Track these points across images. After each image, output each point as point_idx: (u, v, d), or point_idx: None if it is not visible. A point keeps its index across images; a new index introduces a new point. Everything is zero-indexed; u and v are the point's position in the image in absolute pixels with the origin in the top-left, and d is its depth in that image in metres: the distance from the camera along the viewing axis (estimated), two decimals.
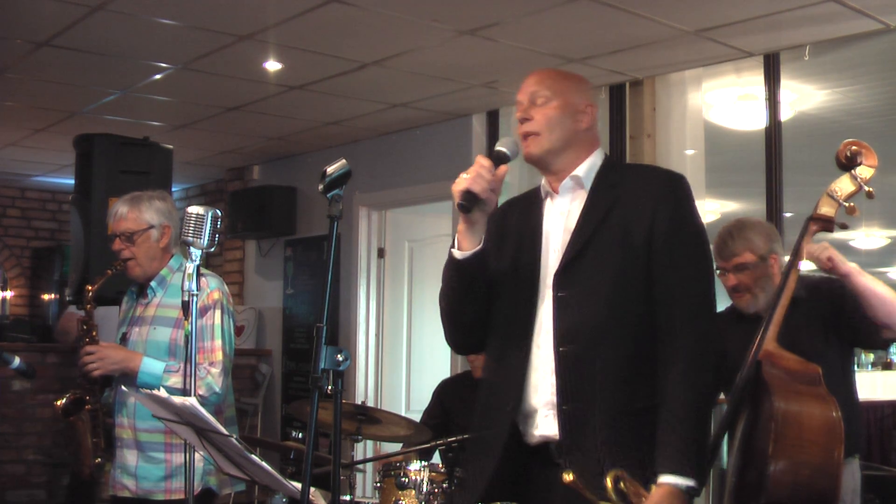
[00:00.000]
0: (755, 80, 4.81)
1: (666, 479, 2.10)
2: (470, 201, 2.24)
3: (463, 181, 2.24)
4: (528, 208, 2.43)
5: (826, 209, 2.91)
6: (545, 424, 2.25)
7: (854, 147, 2.90)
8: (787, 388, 2.73)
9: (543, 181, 2.44)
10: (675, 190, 2.32)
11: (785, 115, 4.78)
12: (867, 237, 10.29)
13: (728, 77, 5.09)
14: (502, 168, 2.27)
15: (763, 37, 4.39)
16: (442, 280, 2.41)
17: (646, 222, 2.24)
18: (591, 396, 2.18)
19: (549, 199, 2.41)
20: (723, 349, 2.37)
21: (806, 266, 2.89)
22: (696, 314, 2.21)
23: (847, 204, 2.89)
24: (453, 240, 2.35)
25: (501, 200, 2.43)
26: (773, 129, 4.60)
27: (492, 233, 2.36)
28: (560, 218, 2.36)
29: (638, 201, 2.28)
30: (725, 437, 3.05)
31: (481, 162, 2.26)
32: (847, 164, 2.91)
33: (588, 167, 2.38)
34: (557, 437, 2.22)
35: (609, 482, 2.05)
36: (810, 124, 5.65)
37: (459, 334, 2.48)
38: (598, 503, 2.06)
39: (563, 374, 2.22)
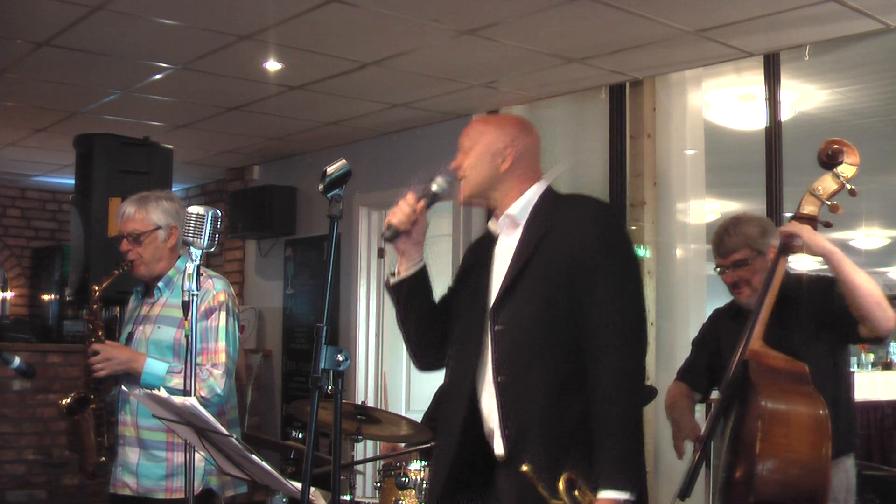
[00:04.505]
0: (755, 80, 4.81)
1: (605, 494, 2.22)
2: (391, 232, 2.48)
3: (389, 214, 2.49)
4: (487, 244, 2.57)
5: (809, 208, 2.90)
6: (497, 444, 2.41)
7: (836, 146, 2.89)
8: (773, 387, 2.73)
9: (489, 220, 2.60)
10: (598, 219, 2.42)
11: (785, 115, 4.78)
12: (867, 237, 10.28)
13: (728, 77, 5.09)
14: (420, 203, 2.49)
15: (763, 37, 4.39)
16: None
17: (569, 252, 2.35)
18: (528, 419, 2.34)
19: (498, 237, 2.55)
20: (644, 368, 2.42)
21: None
22: (616, 338, 2.29)
23: (830, 202, 2.88)
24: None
25: None
26: (773, 129, 4.60)
27: (463, 264, 2.64)
28: (503, 255, 2.49)
29: (565, 233, 2.38)
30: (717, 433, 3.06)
31: (406, 197, 2.49)
32: (829, 162, 2.90)
33: (523, 204, 2.49)
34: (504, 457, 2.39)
35: (562, 484, 2.19)
36: (810, 124, 5.64)
37: (413, 353, 2.68)
38: (550, 500, 2.19)
39: (502, 401, 2.38)
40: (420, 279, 2.56)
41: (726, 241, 3.14)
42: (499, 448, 2.39)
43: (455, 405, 2.49)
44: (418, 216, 2.49)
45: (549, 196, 2.50)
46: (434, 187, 2.50)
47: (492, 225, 2.55)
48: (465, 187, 2.52)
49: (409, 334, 2.63)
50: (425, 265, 2.57)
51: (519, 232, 2.47)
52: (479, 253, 2.59)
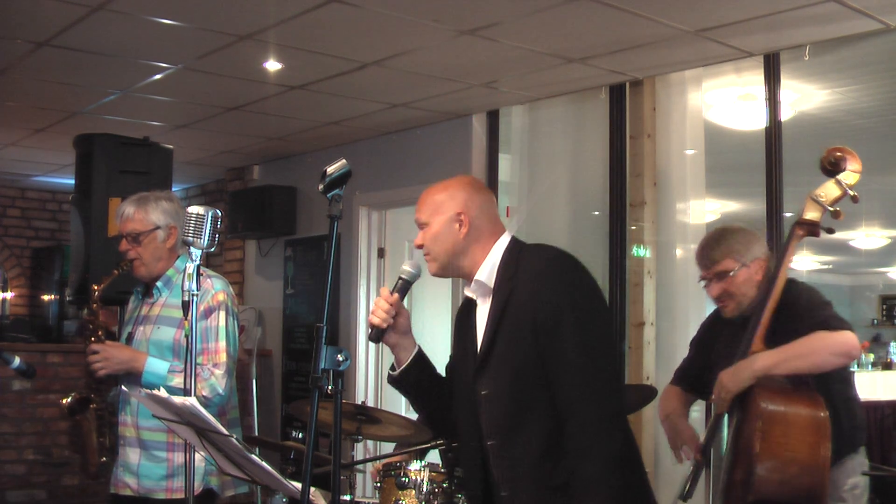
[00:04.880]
0: (755, 80, 4.81)
1: None
2: (375, 333, 2.52)
3: (369, 316, 2.54)
4: (470, 309, 2.60)
5: (812, 214, 2.91)
6: None
7: (838, 153, 2.90)
8: (772, 388, 2.75)
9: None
10: (551, 275, 2.40)
11: (785, 115, 4.78)
12: (867, 237, 10.28)
13: (728, 77, 5.09)
14: (395, 296, 2.51)
15: (763, 37, 4.39)
16: None
17: (531, 313, 2.36)
18: (518, 479, 2.39)
19: (477, 302, 2.57)
20: (621, 411, 2.42)
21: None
22: (584, 392, 2.30)
23: (832, 209, 2.88)
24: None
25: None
26: (773, 129, 4.60)
27: (454, 332, 2.67)
28: (482, 321, 2.52)
29: (524, 293, 2.39)
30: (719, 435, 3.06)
31: (381, 293, 2.53)
32: (832, 169, 2.91)
33: (489, 268, 2.50)
34: None
35: None
36: (810, 124, 5.65)
37: (433, 427, 2.82)
38: None
39: (494, 464, 2.45)
40: (419, 365, 2.59)
41: (710, 252, 3.14)
42: None
43: (468, 473, 2.55)
44: (397, 309, 2.52)
45: (511, 252, 2.49)
46: (404, 276, 2.54)
47: (467, 292, 2.57)
48: (432, 264, 2.54)
49: (423, 413, 2.73)
50: (420, 349, 2.60)
51: (490, 298, 2.48)
52: (465, 319, 2.61)
